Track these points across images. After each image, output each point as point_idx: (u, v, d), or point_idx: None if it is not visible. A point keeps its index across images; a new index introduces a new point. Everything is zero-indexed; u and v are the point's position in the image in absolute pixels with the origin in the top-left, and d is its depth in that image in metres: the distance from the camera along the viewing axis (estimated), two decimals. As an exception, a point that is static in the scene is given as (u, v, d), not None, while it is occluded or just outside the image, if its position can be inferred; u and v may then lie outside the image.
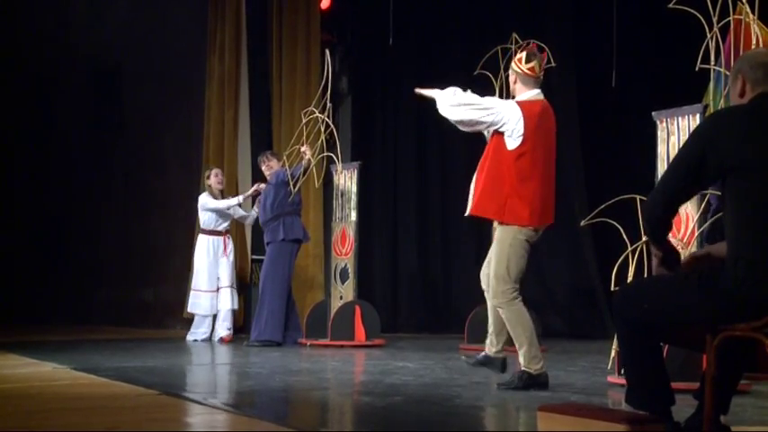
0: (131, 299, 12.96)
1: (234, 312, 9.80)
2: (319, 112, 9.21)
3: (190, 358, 7.88)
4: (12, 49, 14.89)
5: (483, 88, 9.51)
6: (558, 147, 11.01)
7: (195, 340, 9.56)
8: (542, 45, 6.65)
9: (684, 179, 3.16)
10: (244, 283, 10.81)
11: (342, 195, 9.41)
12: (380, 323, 9.39)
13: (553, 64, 8.78)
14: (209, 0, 11.38)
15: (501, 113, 5.23)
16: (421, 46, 12.25)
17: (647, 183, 5.95)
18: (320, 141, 9.24)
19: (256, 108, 11.38)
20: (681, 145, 5.44)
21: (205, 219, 9.74)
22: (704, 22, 5.87)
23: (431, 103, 5.43)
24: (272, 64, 11.33)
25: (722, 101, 5.85)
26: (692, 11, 5.95)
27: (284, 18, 11.32)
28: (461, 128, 5.39)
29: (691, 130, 5.41)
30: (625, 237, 5.57)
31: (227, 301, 9.64)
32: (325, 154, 9.30)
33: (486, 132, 5.44)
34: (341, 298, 9.21)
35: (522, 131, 5.21)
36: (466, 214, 5.51)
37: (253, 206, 10.01)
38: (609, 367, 5.90)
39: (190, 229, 11.09)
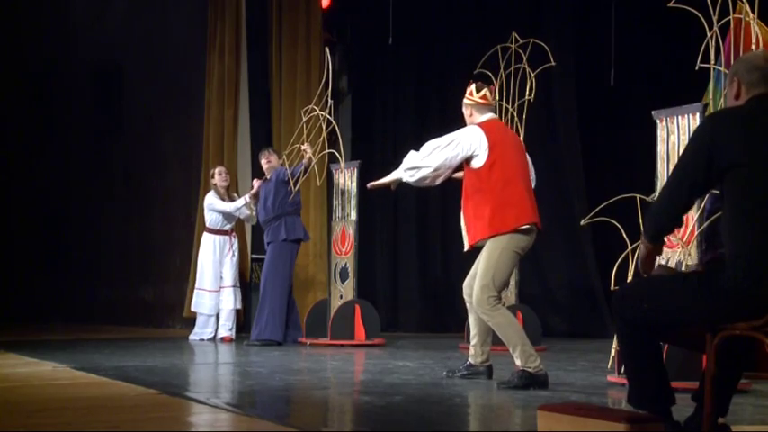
0: (131, 298, 12.96)
1: (237, 312, 9.77)
2: (320, 110, 9.21)
3: (190, 357, 7.88)
4: (12, 48, 14.89)
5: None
6: (558, 147, 11.19)
7: (201, 339, 9.53)
8: (489, 74, 6.72)
9: (689, 184, 3.17)
10: (244, 283, 10.81)
11: (342, 195, 9.41)
12: (380, 322, 9.40)
13: (553, 63, 8.81)
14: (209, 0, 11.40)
15: (465, 138, 5.46)
16: (421, 46, 12.25)
17: (646, 182, 5.96)
18: (321, 139, 9.23)
19: (256, 107, 11.38)
20: (680, 145, 5.49)
21: (211, 218, 9.72)
22: (704, 21, 5.87)
23: (399, 183, 5.71)
24: (271, 63, 11.34)
25: (722, 100, 5.85)
26: (692, 10, 5.95)
27: (284, 17, 11.32)
28: (443, 178, 5.54)
29: (690, 130, 5.44)
30: (625, 236, 5.57)
31: (229, 301, 9.61)
32: (327, 151, 9.28)
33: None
34: (341, 297, 9.21)
35: (486, 144, 5.40)
36: (465, 250, 5.62)
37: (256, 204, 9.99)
38: (609, 367, 5.90)
39: (190, 228, 11.10)
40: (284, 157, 9.44)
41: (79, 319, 13.59)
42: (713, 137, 3.13)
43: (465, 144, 5.43)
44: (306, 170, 9.02)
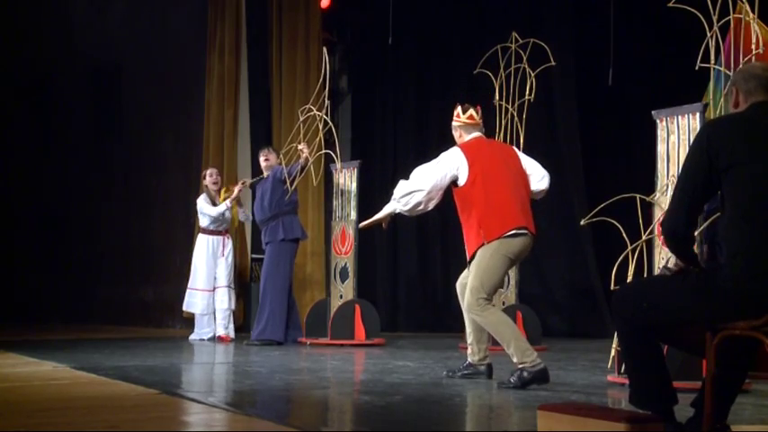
0: (131, 298, 12.96)
1: (232, 312, 9.72)
2: (317, 110, 9.20)
3: (190, 357, 7.88)
4: (12, 48, 14.89)
5: (483, 87, 9.59)
6: (558, 146, 11.18)
7: (201, 339, 9.51)
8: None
9: (697, 189, 3.20)
10: (244, 283, 10.81)
11: (342, 194, 9.41)
12: (380, 322, 9.39)
13: (553, 63, 8.81)
14: (209, -1, 11.41)
15: (448, 159, 5.63)
16: (421, 45, 12.26)
17: (646, 182, 5.96)
18: (318, 139, 9.23)
19: (256, 107, 11.39)
20: (680, 145, 5.50)
21: (204, 221, 9.71)
22: (704, 21, 5.87)
23: (392, 217, 5.96)
24: (271, 63, 11.34)
25: (722, 100, 5.85)
26: (692, 10, 5.95)
27: (284, 17, 11.33)
28: (435, 201, 5.68)
29: (690, 130, 5.45)
30: (625, 236, 5.57)
31: (223, 301, 9.56)
32: (324, 152, 9.28)
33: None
34: (341, 297, 9.21)
35: (466, 162, 5.56)
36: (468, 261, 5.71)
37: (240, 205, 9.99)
38: (609, 366, 5.90)
39: (189, 228, 11.09)
40: (281, 156, 9.44)
41: (79, 319, 13.58)
42: (711, 140, 3.16)
43: (449, 163, 5.60)
44: (302, 169, 9.00)
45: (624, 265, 5.58)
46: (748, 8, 5.91)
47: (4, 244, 15.03)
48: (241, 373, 6.38)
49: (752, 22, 5.83)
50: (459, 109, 5.85)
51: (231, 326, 9.65)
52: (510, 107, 8.95)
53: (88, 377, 5.73)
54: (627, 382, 3.49)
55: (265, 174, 9.34)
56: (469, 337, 5.75)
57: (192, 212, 10.99)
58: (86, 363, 6.56)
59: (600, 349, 7.50)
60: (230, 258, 9.72)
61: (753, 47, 5.74)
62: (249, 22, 11.36)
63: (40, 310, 14.23)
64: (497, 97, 9.08)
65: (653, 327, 3.27)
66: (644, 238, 5.53)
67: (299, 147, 9.03)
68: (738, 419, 3.93)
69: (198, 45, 11.57)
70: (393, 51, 11.48)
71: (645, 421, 3.27)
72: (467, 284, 5.54)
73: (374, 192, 12.04)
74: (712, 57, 5.86)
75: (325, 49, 9.45)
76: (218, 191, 9.83)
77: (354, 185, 9.29)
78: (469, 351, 5.78)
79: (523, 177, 5.72)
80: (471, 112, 5.81)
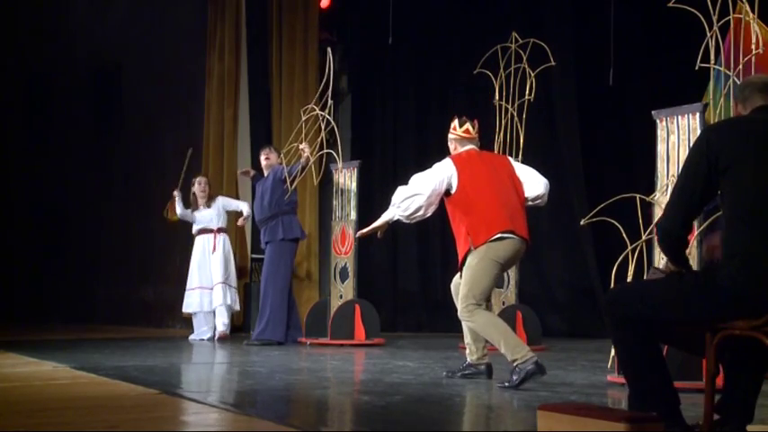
0: (131, 298, 12.96)
1: (229, 308, 9.67)
2: (320, 110, 9.19)
3: (190, 357, 7.88)
4: (12, 48, 14.89)
5: (483, 87, 9.59)
6: (558, 146, 11.17)
7: (201, 339, 9.51)
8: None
9: (695, 193, 3.21)
10: (244, 283, 10.81)
11: (342, 194, 9.40)
12: (380, 322, 9.39)
13: (553, 63, 8.81)
14: (209, -1, 11.41)
15: (441, 167, 5.72)
16: (421, 45, 12.25)
17: (646, 182, 5.97)
18: (320, 139, 9.22)
19: (256, 107, 11.38)
20: (680, 145, 5.50)
21: (193, 226, 9.88)
22: (704, 20, 5.87)
23: (389, 225, 6.00)
24: (271, 63, 11.34)
25: (722, 100, 5.86)
26: (692, 10, 5.95)
27: (284, 17, 11.33)
28: (434, 207, 5.77)
29: (690, 130, 5.45)
30: (625, 236, 5.57)
31: (218, 298, 9.53)
32: (325, 151, 9.27)
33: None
34: (341, 297, 9.21)
35: (455, 171, 5.66)
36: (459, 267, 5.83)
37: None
38: (609, 366, 5.89)
39: (189, 227, 11.08)
40: (282, 155, 9.44)
41: (79, 318, 13.58)
42: (710, 143, 3.18)
43: (443, 171, 5.69)
44: (303, 169, 9.00)
45: (624, 265, 5.58)
46: (748, 8, 5.91)
47: (3, 244, 15.02)
48: (241, 373, 6.37)
49: (752, 21, 5.84)
50: (456, 122, 5.95)
51: (227, 322, 9.62)
52: (510, 107, 8.95)
53: (88, 377, 5.73)
54: (627, 386, 3.47)
55: (266, 173, 9.33)
56: (467, 337, 5.80)
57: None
58: (86, 363, 6.56)
59: (600, 349, 7.50)
60: (221, 254, 9.66)
61: (753, 47, 5.74)
62: (249, 23, 11.36)
63: (40, 310, 14.23)
64: (497, 97, 9.08)
65: (649, 325, 3.26)
66: (644, 238, 5.53)
67: (301, 146, 9.03)
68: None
69: (198, 45, 11.57)
70: (393, 51, 11.47)
71: (645, 421, 3.26)
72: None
73: (374, 192, 12.04)
74: (712, 57, 5.86)
75: (329, 50, 9.43)
76: (211, 198, 9.87)
77: (354, 185, 9.28)
78: (468, 351, 5.82)
79: (516, 185, 5.78)
80: (468, 126, 5.91)
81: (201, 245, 9.73)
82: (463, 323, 5.73)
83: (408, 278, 12.25)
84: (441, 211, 6.29)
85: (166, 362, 6.98)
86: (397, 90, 12.52)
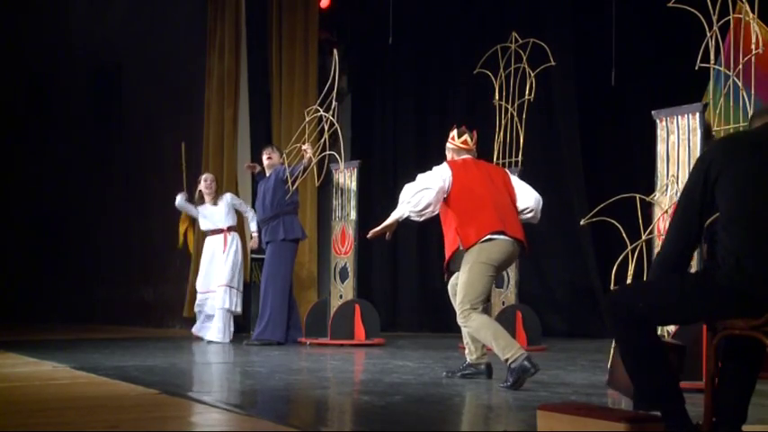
0: (131, 298, 12.96)
1: (228, 313, 9.38)
2: (324, 111, 9.17)
3: (190, 357, 7.87)
4: (11, 48, 14.89)
5: (483, 87, 9.60)
6: (558, 146, 11.16)
7: (198, 336, 9.54)
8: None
9: (694, 208, 3.23)
10: (244, 283, 10.79)
11: (341, 194, 9.40)
12: (380, 322, 9.39)
13: (553, 63, 8.81)
14: (209, -1, 11.40)
15: (438, 170, 5.74)
16: (421, 45, 12.25)
17: (646, 182, 5.96)
18: (323, 140, 9.21)
19: (256, 107, 11.38)
20: (680, 144, 5.50)
21: (200, 222, 9.78)
22: (704, 21, 5.88)
23: (398, 224, 5.90)
24: (271, 63, 11.33)
25: (722, 99, 5.86)
26: (692, 10, 5.96)
27: (284, 17, 11.32)
28: (440, 204, 5.74)
29: (690, 130, 5.45)
30: (625, 236, 5.57)
31: (217, 300, 9.35)
32: (328, 152, 9.26)
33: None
34: (341, 297, 9.21)
35: (450, 175, 5.71)
36: (445, 278, 5.97)
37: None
38: (608, 366, 5.89)
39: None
40: (284, 155, 9.43)
41: (79, 318, 13.58)
42: (704, 158, 3.26)
43: (442, 171, 5.75)
44: (305, 170, 8.99)
45: (624, 264, 5.58)
46: (748, 8, 5.92)
47: (3, 243, 15.02)
48: (241, 373, 6.37)
49: (752, 21, 5.84)
50: (454, 132, 5.99)
51: (228, 330, 9.33)
52: (510, 107, 8.96)
53: (88, 377, 5.73)
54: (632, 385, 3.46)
55: (267, 172, 9.32)
56: (465, 338, 5.83)
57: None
58: (86, 363, 6.56)
59: (600, 349, 7.50)
60: (232, 255, 9.48)
61: (752, 47, 5.75)
62: (249, 22, 11.35)
63: (40, 310, 14.23)
64: (497, 97, 9.08)
65: (649, 324, 3.26)
66: (644, 237, 5.53)
67: (303, 147, 9.02)
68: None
69: (198, 45, 11.57)
70: (393, 51, 11.48)
71: (645, 421, 3.26)
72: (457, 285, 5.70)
73: (374, 192, 12.05)
74: (712, 57, 5.86)
75: (335, 51, 9.40)
76: (217, 194, 9.74)
77: (354, 185, 9.28)
78: (467, 351, 5.84)
79: (510, 192, 5.84)
80: (466, 137, 5.95)
81: (212, 246, 9.59)
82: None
83: (408, 278, 12.25)
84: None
85: (166, 362, 6.97)
86: (397, 90, 12.52)
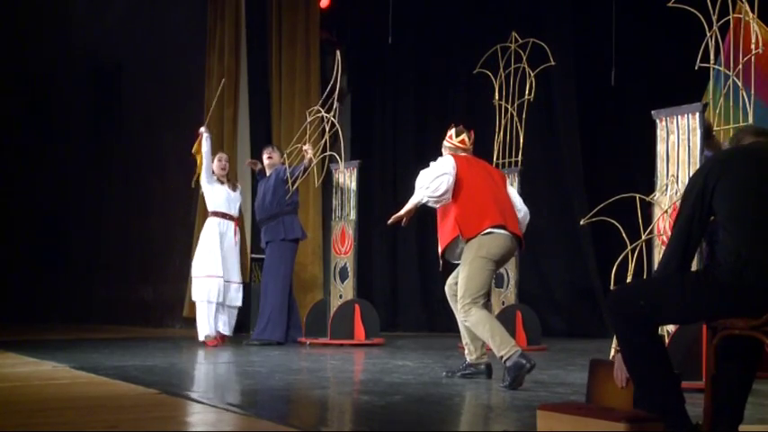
0: (131, 298, 12.95)
1: (236, 310, 9.10)
2: (325, 112, 9.16)
3: (189, 357, 7.86)
4: (11, 47, 14.88)
5: (482, 87, 9.60)
6: (558, 146, 11.16)
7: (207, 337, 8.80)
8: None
9: (694, 217, 3.28)
10: (244, 283, 10.79)
11: (341, 194, 9.40)
12: (380, 322, 9.39)
13: (553, 63, 8.81)
14: (209, -2, 11.40)
15: (445, 163, 5.77)
16: (421, 45, 12.25)
17: (646, 182, 5.96)
18: (324, 141, 9.19)
19: (256, 106, 11.38)
20: (680, 144, 5.50)
21: (210, 201, 9.05)
22: (704, 20, 5.88)
23: (417, 207, 5.84)
24: (271, 62, 11.33)
25: (722, 99, 5.86)
26: (692, 9, 5.96)
27: (284, 17, 11.32)
28: (451, 192, 5.72)
29: (690, 130, 5.45)
30: (624, 236, 5.57)
31: (237, 299, 8.99)
32: (329, 153, 9.25)
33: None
34: (340, 297, 9.21)
35: (454, 165, 5.75)
36: (440, 268, 6.02)
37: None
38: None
39: (189, 227, 11.08)
40: (285, 155, 9.42)
41: (79, 318, 13.58)
42: (702, 171, 3.35)
43: (449, 166, 5.77)
44: (305, 171, 8.99)
45: (624, 264, 5.58)
46: (748, 8, 5.92)
47: (3, 243, 15.01)
48: (241, 373, 6.37)
49: (751, 21, 5.85)
50: (453, 131, 6.03)
51: (229, 322, 9.00)
52: (510, 107, 8.96)
53: (87, 377, 5.72)
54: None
55: (268, 172, 9.31)
56: (464, 338, 5.83)
57: (193, 211, 11.00)
58: (86, 362, 6.55)
59: (599, 349, 7.49)
60: (238, 248, 9.11)
61: (752, 46, 5.75)
62: (249, 22, 11.35)
63: (40, 309, 14.22)
64: (497, 97, 9.08)
65: (651, 323, 3.27)
66: (643, 237, 5.53)
67: (304, 147, 9.01)
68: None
69: (197, 45, 11.57)
70: (393, 51, 11.48)
71: (644, 421, 3.26)
72: (454, 285, 5.74)
73: (374, 191, 12.05)
74: (712, 56, 5.86)
75: (338, 53, 9.38)
76: (227, 176, 9.23)
77: (354, 185, 9.28)
78: (466, 351, 5.85)
79: (507, 191, 5.90)
80: (464, 137, 5.99)
81: (217, 230, 8.91)
82: (460, 323, 5.77)
83: (408, 278, 12.25)
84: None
85: (166, 362, 6.97)
86: (397, 90, 12.53)
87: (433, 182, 5.67)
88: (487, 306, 5.72)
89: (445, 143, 6.03)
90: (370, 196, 11.76)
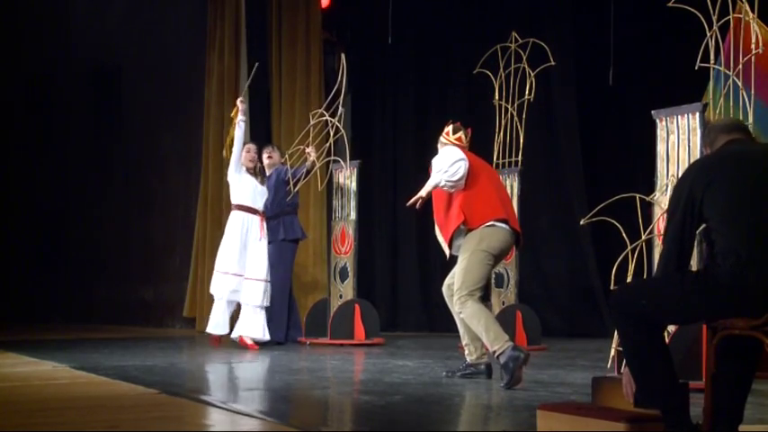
0: (131, 297, 12.95)
1: (264, 311, 8.68)
2: (329, 115, 9.13)
3: (190, 357, 7.87)
4: (11, 47, 14.88)
5: (482, 87, 9.59)
6: (558, 146, 11.16)
7: (217, 335, 8.63)
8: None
9: (684, 226, 3.30)
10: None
11: (342, 194, 9.39)
12: (380, 322, 9.37)
13: (552, 63, 8.80)
14: (209, -2, 11.40)
15: (459, 151, 5.79)
16: (421, 45, 12.23)
17: (646, 182, 5.96)
18: (328, 144, 9.16)
19: (256, 106, 11.37)
20: (680, 144, 5.50)
21: (235, 193, 8.76)
22: (704, 20, 5.87)
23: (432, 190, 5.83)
24: (271, 62, 11.30)
25: (722, 99, 5.85)
26: (692, 9, 5.95)
27: (284, 16, 11.30)
28: (464, 177, 5.72)
29: (690, 130, 5.45)
30: (625, 236, 5.57)
31: (253, 296, 8.56)
32: (333, 158, 9.22)
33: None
34: (340, 297, 9.20)
35: (462, 154, 5.77)
36: (447, 256, 6.00)
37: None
38: (608, 366, 5.89)
39: (190, 227, 11.08)
40: (286, 156, 9.40)
41: (79, 318, 13.57)
42: (685, 180, 3.37)
43: (460, 151, 5.80)
44: (307, 173, 8.94)
45: (624, 264, 5.58)
46: (748, 8, 5.91)
47: (3, 243, 15.01)
48: (241, 373, 6.37)
49: (752, 21, 5.83)
50: (450, 127, 6.02)
51: (264, 327, 8.56)
52: (510, 107, 8.95)
53: (87, 377, 5.73)
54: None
55: (267, 171, 9.28)
56: (464, 338, 5.83)
57: (193, 210, 10.98)
58: (86, 362, 6.55)
59: (599, 349, 7.49)
60: (265, 247, 8.74)
61: (752, 46, 5.74)
62: (249, 22, 11.33)
63: (40, 309, 14.22)
64: (497, 97, 9.07)
65: (652, 321, 3.28)
66: (643, 237, 5.53)
67: (307, 150, 8.98)
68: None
69: (197, 45, 11.56)
70: (393, 51, 11.46)
71: (644, 421, 3.26)
72: (452, 285, 5.75)
73: (374, 191, 12.03)
74: (712, 56, 5.86)
75: (342, 56, 9.34)
76: (255, 168, 8.88)
77: (354, 185, 9.27)
78: (466, 351, 5.84)
79: (503, 185, 6.06)
80: (461, 134, 5.99)
81: (241, 225, 8.66)
82: (458, 319, 5.76)
83: (408, 278, 12.23)
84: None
85: (166, 361, 6.97)
86: (397, 90, 12.51)
87: (452, 166, 5.67)
88: (486, 306, 5.73)
89: (442, 139, 6.02)
90: (371, 196, 11.74)
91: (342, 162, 9.16)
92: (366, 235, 10.84)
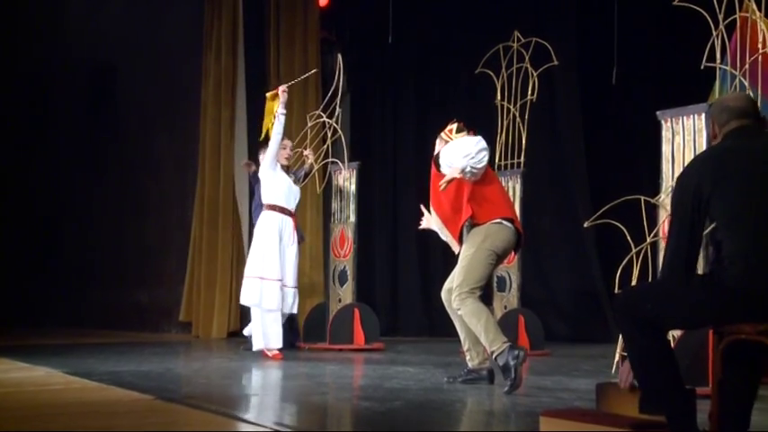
0: (126, 302, 12.90)
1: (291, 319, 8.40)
2: (327, 117, 9.07)
3: (186, 362, 7.83)
4: (7, 48, 14.84)
5: (484, 87, 9.53)
6: (561, 147, 11.10)
7: (269, 350, 7.80)
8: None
9: (682, 222, 3.26)
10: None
11: (341, 196, 9.32)
12: (380, 326, 9.31)
13: (555, 62, 8.75)
14: (206, -2, 11.36)
15: (481, 139, 5.74)
16: (421, 45, 12.20)
17: (651, 183, 5.90)
18: (326, 146, 9.11)
19: (253, 108, 11.31)
20: (685, 145, 5.46)
21: (267, 192, 8.10)
22: (710, 19, 5.83)
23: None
24: (269, 63, 11.26)
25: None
26: (698, 8, 5.91)
27: (282, 16, 11.26)
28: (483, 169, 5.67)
29: (696, 130, 5.41)
30: (629, 238, 5.52)
31: (287, 304, 8.00)
32: (331, 160, 9.16)
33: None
34: (339, 301, 9.13)
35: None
36: (456, 252, 5.80)
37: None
38: (613, 372, 5.84)
39: (185, 229, 11.03)
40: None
41: (73, 323, 13.52)
42: (692, 173, 3.30)
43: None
44: (306, 176, 8.89)
45: (628, 268, 5.53)
46: (755, 6, 5.87)
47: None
48: (239, 379, 6.33)
49: (758, 20, 5.79)
50: (453, 126, 5.94)
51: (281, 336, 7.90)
52: (512, 107, 8.92)
53: (82, 382, 5.70)
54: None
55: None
56: (465, 343, 5.77)
57: (189, 213, 10.93)
58: (80, 368, 6.52)
59: (604, 354, 7.46)
60: (296, 250, 8.15)
61: (759, 46, 5.70)
62: (246, 22, 11.29)
63: (33, 314, 14.17)
64: (499, 97, 9.05)
65: (658, 326, 3.25)
66: (648, 240, 5.50)
67: (305, 153, 8.93)
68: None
69: (194, 44, 11.54)
70: (393, 51, 11.42)
71: (649, 427, 3.22)
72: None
73: (373, 193, 11.98)
74: (718, 56, 5.82)
75: (339, 56, 9.28)
76: (288, 168, 8.31)
77: (353, 187, 9.21)
78: (468, 357, 5.79)
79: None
80: (464, 134, 5.89)
81: (276, 226, 7.96)
82: (458, 324, 5.71)
83: (408, 281, 12.19)
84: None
85: (162, 367, 6.93)
86: (397, 90, 12.47)
87: (479, 153, 5.56)
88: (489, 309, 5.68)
89: (443, 135, 5.92)
90: (370, 198, 11.69)
91: (340, 163, 9.10)
92: (365, 237, 10.77)
